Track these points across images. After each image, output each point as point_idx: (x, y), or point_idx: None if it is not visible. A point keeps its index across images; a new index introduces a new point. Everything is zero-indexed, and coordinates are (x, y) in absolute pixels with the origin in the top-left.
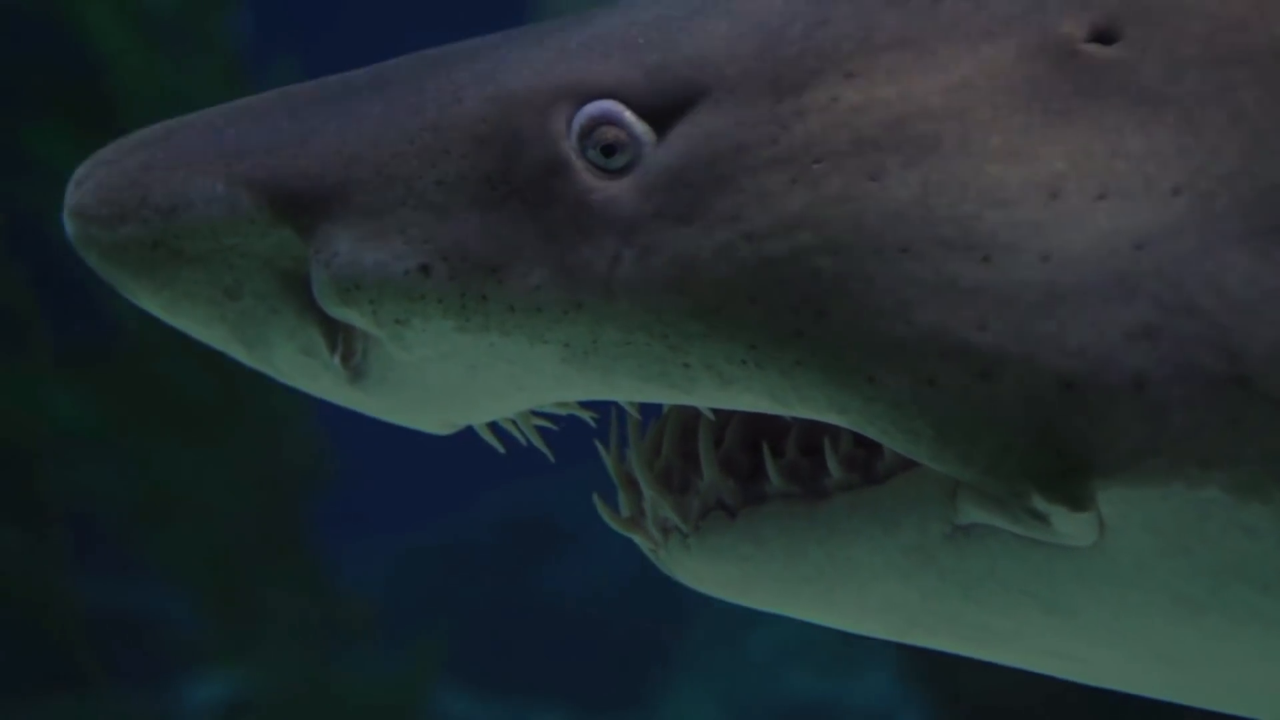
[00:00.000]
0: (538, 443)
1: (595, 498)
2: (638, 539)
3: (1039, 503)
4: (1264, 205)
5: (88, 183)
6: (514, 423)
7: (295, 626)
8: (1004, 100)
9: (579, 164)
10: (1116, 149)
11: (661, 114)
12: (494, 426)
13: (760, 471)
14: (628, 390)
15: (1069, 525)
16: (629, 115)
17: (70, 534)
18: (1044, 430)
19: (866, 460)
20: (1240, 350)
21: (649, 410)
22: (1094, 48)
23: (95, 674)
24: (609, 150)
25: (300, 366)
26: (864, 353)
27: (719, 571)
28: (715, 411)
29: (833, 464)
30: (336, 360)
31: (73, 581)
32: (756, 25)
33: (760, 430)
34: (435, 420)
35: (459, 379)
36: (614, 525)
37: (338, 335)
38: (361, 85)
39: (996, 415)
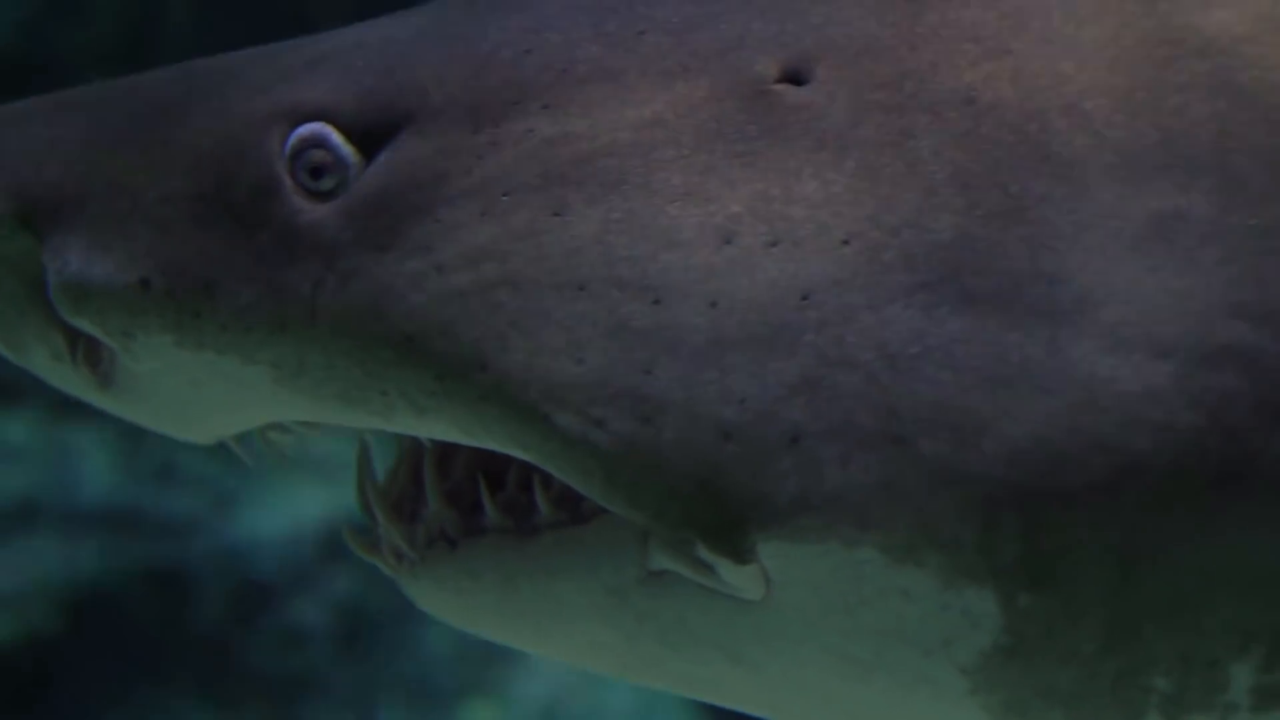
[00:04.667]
0: (273, 460)
1: (345, 529)
2: (378, 563)
3: (704, 553)
4: (931, 259)
5: None
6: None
7: None
8: (691, 139)
9: (290, 185)
10: (793, 194)
11: (370, 138)
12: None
13: (484, 504)
14: (337, 414)
15: (735, 577)
16: (336, 138)
17: None
18: (704, 480)
19: (576, 498)
20: (898, 409)
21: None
22: (784, 88)
23: None
24: (317, 172)
25: (54, 371)
26: (540, 390)
27: (442, 601)
28: (445, 442)
29: (541, 500)
30: (83, 367)
31: None
32: (468, 52)
33: (485, 463)
34: (188, 432)
35: (187, 393)
36: (355, 549)
37: (78, 343)
38: (123, 92)
39: (659, 461)
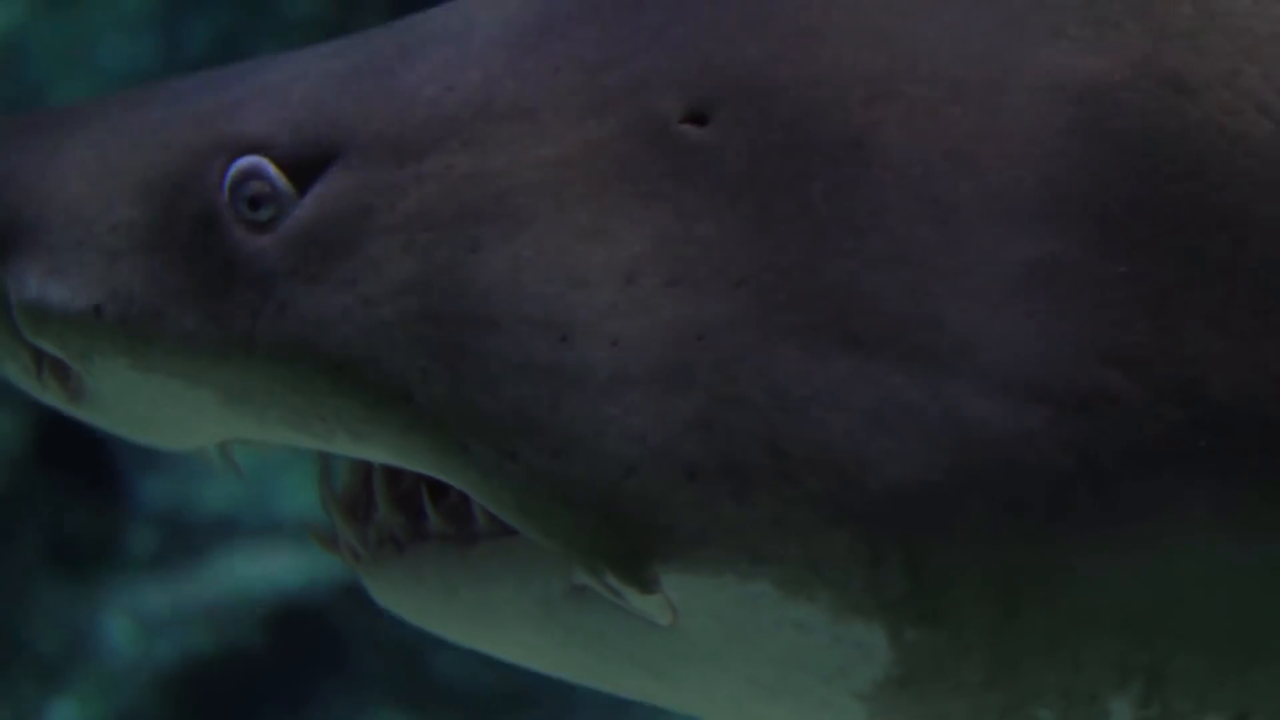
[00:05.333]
0: (237, 472)
1: (307, 525)
2: (337, 559)
3: (612, 581)
4: (820, 302)
5: None
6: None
7: None
8: (599, 178)
9: (230, 216)
10: (692, 235)
11: (304, 171)
12: None
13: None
14: (283, 436)
15: (643, 604)
16: (273, 170)
17: None
18: (609, 512)
19: None
20: (786, 448)
21: None
22: (687, 128)
23: None
24: (255, 204)
25: (29, 384)
26: (459, 421)
27: (394, 598)
28: None
29: (478, 510)
30: (51, 382)
31: None
32: (394, 88)
33: None
34: (158, 442)
35: (146, 410)
36: (316, 544)
37: (43, 360)
38: (82, 118)
39: (568, 493)
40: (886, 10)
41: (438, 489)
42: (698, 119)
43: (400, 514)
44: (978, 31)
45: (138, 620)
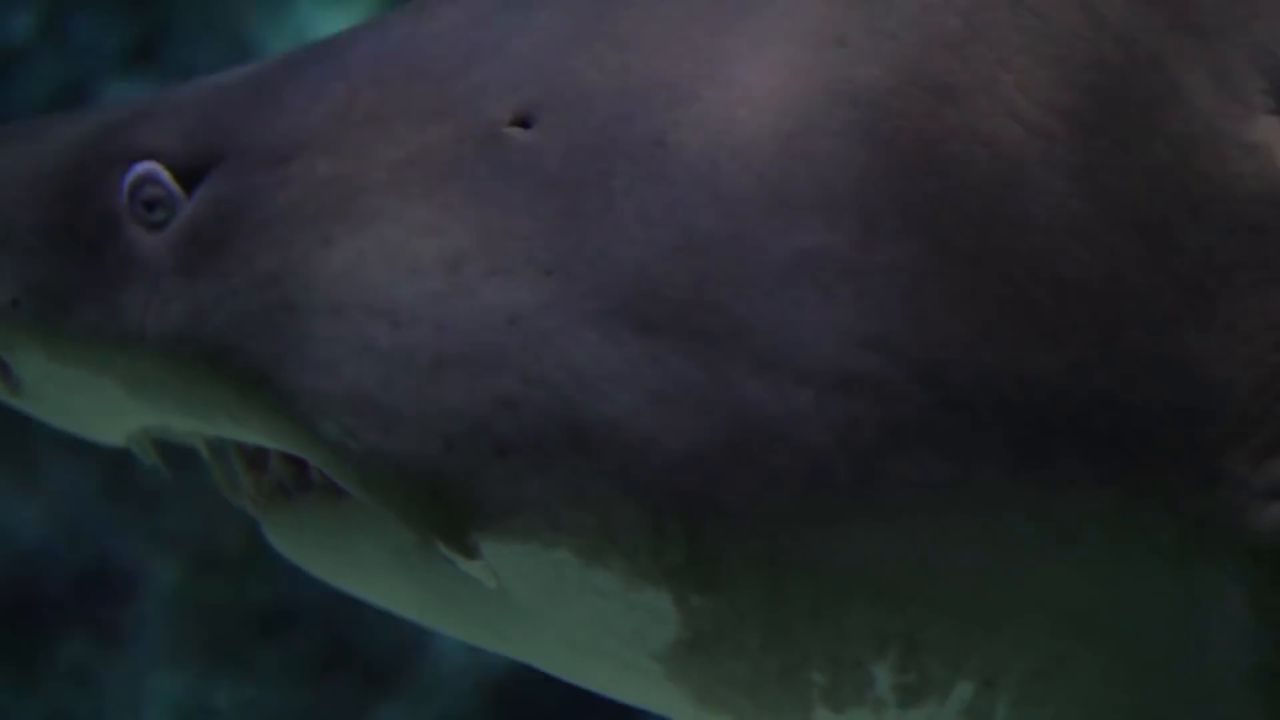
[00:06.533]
0: (155, 462)
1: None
2: (240, 504)
3: (441, 548)
4: (615, 289)
5: None
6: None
7: None
8: (436, 177)
9: (129, 218)
10: (511, 228)
11: (193, 176)
12: None
13: None
14: (179, 420)
15: (469, 568)
16: (166, 175)
17: None
18: (433, 486)
19: None
20: (583, 425)
21: None
22: (514, 131)
23: None
24: (151, 206)
25: None
26: (309, 404)
27: (283, 544)
28: None
29: None
30: None
31: None
32: (272, 98)
33: None
34: (90, 433)
35: (65, 400)
36: (224, 492)
37: None
38: (32, 131)
39: (399, 468)
40: (696, 23)
41: None
42: (523, 122)
43: (290, 465)
44: (771, 40)
45: None
